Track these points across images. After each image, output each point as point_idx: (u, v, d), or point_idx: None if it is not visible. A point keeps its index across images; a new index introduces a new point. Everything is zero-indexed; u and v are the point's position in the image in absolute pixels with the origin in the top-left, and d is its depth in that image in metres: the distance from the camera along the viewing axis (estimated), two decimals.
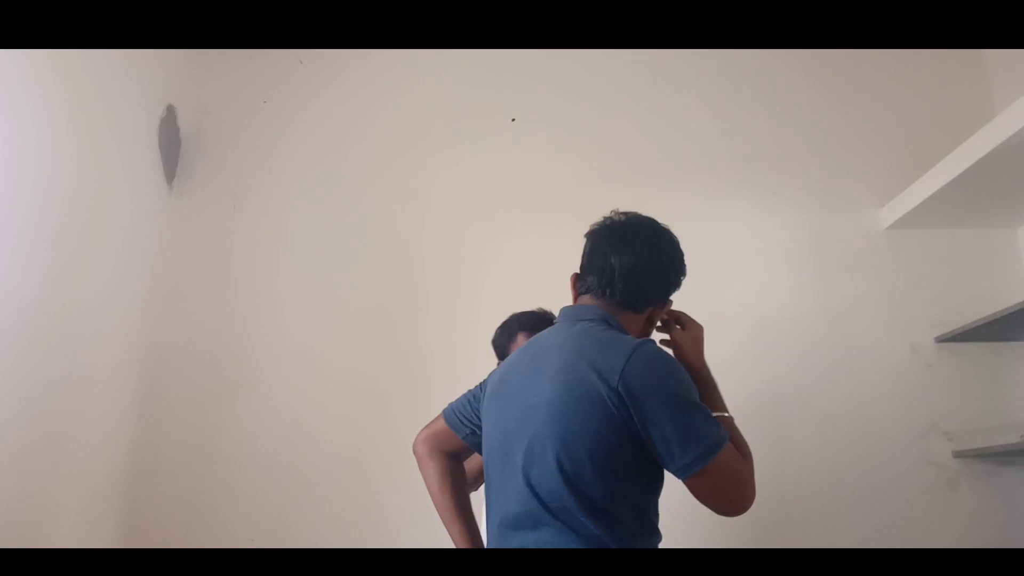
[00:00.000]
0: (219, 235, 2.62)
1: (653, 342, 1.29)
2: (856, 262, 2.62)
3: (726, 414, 1.33)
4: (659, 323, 1.44)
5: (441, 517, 1.46)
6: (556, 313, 1.83)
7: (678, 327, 1.44)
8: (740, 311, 2.55)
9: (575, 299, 1.41)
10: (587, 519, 1.19)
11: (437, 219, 2.64)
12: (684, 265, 1.42)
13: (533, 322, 1.82)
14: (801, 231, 2.66)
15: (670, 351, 1.39)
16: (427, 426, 1.52)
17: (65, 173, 2.01)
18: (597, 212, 2.64)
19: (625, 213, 1.42)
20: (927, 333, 2.52)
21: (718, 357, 2.46)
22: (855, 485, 2.38)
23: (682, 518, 2.30)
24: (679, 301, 2.55)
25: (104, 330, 2.21)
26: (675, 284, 1.42)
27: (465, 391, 1.52)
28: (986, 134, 2.13)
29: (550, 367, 1.27)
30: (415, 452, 1.50)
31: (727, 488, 1.21)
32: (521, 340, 1.79)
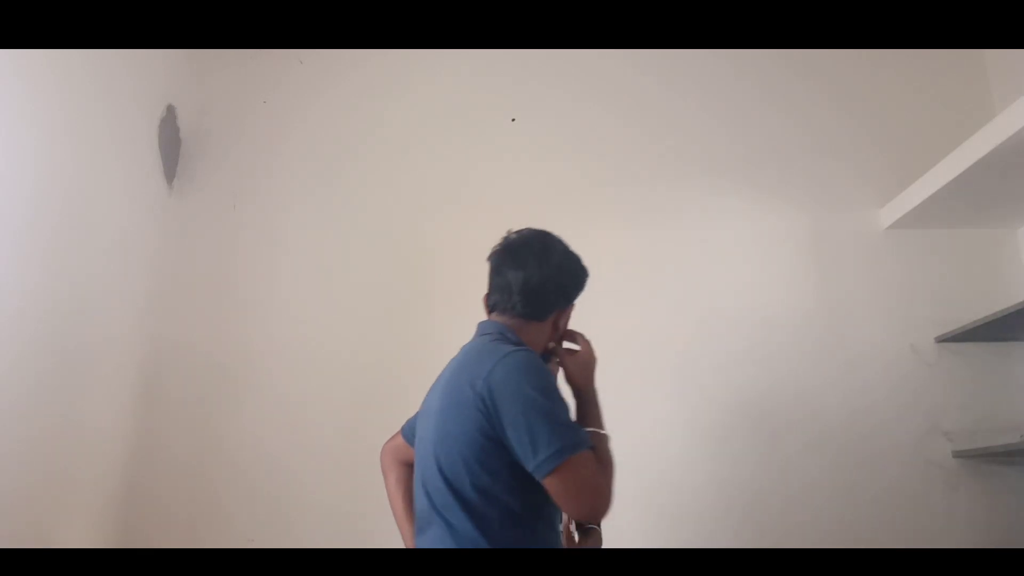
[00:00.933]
0: (219, 235, 2.62)
1: (524, 351, 1.35)
2: (856, 262, 2.62)
3: (602, 431, 1.41)
4: (552, 344, 1.51)
5: (395, 520, 1.60)
6: None
7: (570, 348, 1.51)
8: (740, 311, 2.55)
9: (487, 316, 1.52)
10: (462, 516, 1.29)
11: (437, 219, 2.64)
12: (580, 268, 1.51)
13: None
14: (801, 231, 2.66)
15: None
16: (390, 439, 1.65)
17: (65, 173, 2.01)
18: (596, 211, 2.66)
19: (519, 231, 1.52)
20: (927, 333, 2.52)
21: (718, 357, 2.50)
22: (855, 485, 2.38)
23: (684, 518, 2.31)
24: (683, 301, 2.54)
25: (104, 330, 2.21)
26: (573, 288, 1.50)
27: None
28: (986, 134, 2.13)
29: (444, 379, 1.42)
30: (381, 462, 1.65)
31: (576, 493, 1.25)
32: None
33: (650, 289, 2.56)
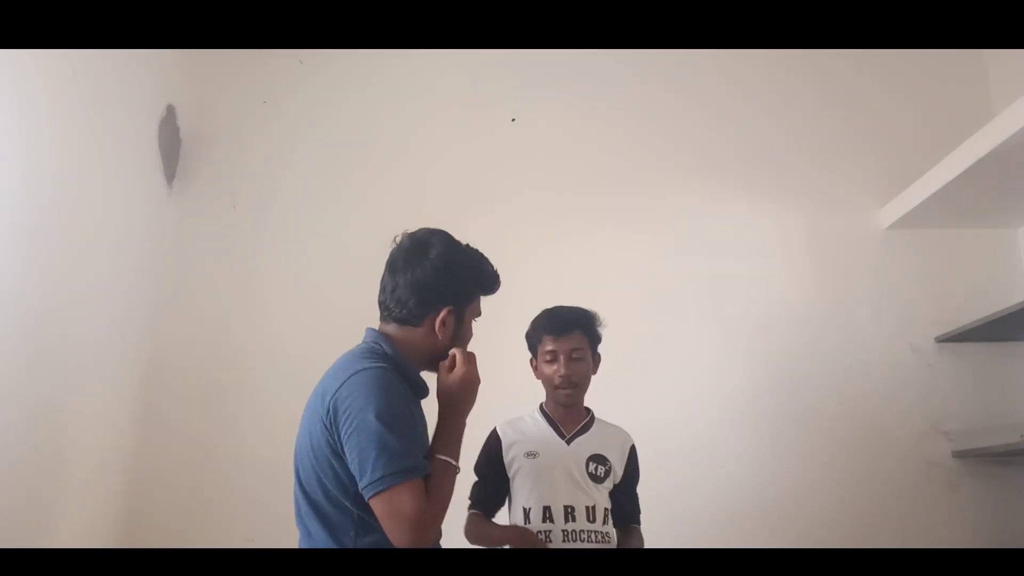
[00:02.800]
0: (218, 236, 2.61)
1: (373, 369, 1.30)
2: (856, 262, 2.63)
3: (453, 462, 1.35)
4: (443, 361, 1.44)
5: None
6: (586, 309, 1.84)
7: (451, 367, 1.42)
8: (740, 312, 2.55)
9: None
10: (317, 525, 1.31)
11: (437, 220, 2.61)
12: (467, 271, 1.46)
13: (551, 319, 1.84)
14: (801, 231, 2.66)
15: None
16: None
17: (65, 173, 2.01)
18: (596, 212, 2.65)
19: (410, 233, 1.50)
20: (927, 333, 2.52)
21: (719, 357, 2.50)
22: (855, 485, 2.38)
23: (680, 519, 2.31)
24: (683, 302, 2.52)
25: (103, 331, 2.21)
26: (455, 291, 1.43)
27: None
28: (986, 134, 2.13)
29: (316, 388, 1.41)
30: None
31: (390, 521, 1.23)
32: (546, 342, 1.81)
33: (650, 291, 2.55)
